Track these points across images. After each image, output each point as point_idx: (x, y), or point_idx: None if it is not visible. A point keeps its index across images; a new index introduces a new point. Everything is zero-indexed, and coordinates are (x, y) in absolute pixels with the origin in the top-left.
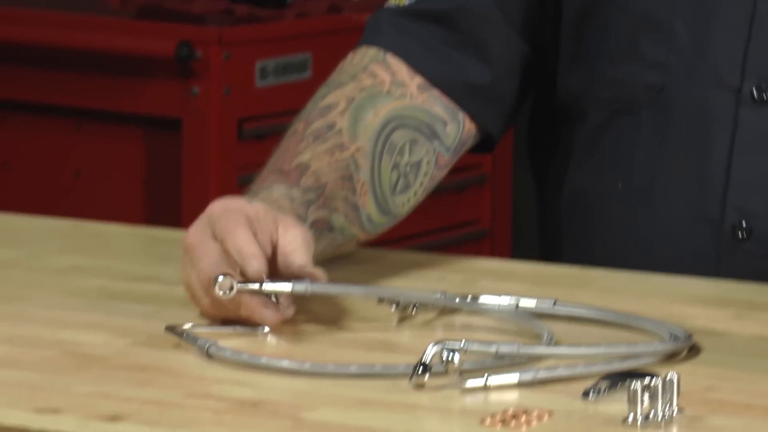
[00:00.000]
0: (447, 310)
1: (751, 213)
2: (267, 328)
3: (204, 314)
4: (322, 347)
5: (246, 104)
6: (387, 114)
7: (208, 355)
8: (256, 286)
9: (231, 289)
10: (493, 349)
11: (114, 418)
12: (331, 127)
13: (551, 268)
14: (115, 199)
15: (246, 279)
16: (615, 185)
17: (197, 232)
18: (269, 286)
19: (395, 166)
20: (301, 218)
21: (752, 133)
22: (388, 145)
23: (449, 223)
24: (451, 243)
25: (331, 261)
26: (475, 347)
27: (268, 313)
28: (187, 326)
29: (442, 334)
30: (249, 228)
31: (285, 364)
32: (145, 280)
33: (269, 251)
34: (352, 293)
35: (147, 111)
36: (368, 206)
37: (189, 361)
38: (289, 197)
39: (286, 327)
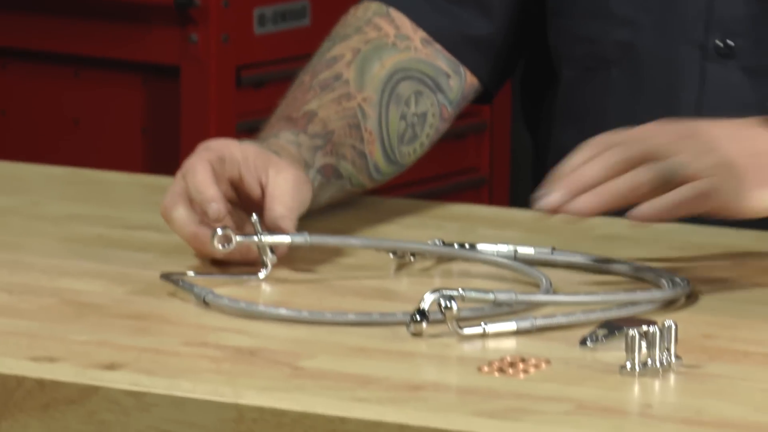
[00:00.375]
0: (445, 258)
1: None
2: (263, 275)
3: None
4: (319, 295)
5: (244, 51)
6: (393, 65)
7: (205, 304)
8: (255, 238)
9: (229, 241)
10: (490, 296)
11: (111, 367)
12: (338, 77)
13: (549, 216)
14: (114, 146)
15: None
16: None
17: (184, 164)
18: (268, 239)
19: (403, 117)
20: (308, 164)
21: (718, 87)
22: (395, 96)
23: (448, 171)
24: (450, 191)
25: (328, 208)
26: (472, 295)
27: (213, 207)
28: (182, 274)
29: (439, 282)
30: (210, 168)
31: (282, 312)
32: (144, 228)
33: (257, 192)
34: (351, 244)
35: (145, 58)
36: (376, 155)
37: (186, 309)
38: (297, 143)
39: (282, 275)
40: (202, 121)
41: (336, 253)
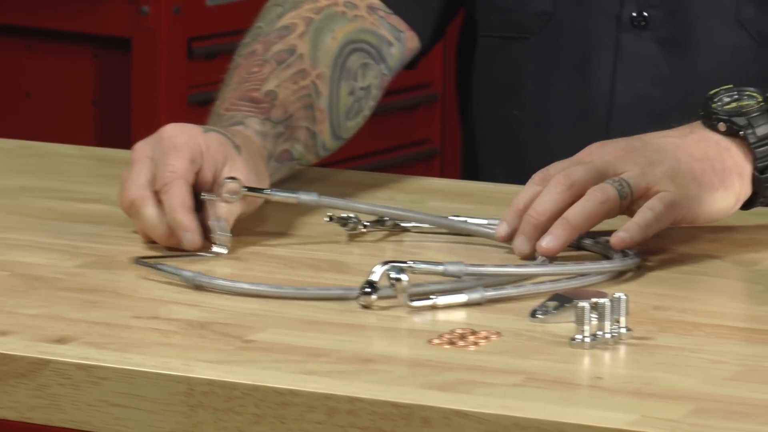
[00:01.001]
0: (397, 230)
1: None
2: (223, 250)
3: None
4: (271, 268)
5: (196, 23)
6: (343, 37)
7: (197, 287)
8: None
9: (236, 193)
10: (440, 268)
11: (61, 340)
12: (292, 51)
13: (501, 187)
14: (65, 119)
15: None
16: (512, 111)
17: (142, 149)
18: (277, 196)
19: (351, 92)
20: (270, 154)
21: (632, 58)
22: (345, 71)
23: (400, 143)
24: (402, 162)
25: (282, 180)
26: (422, 267)
27: (188, 236)
28: (153, 258)
29: (391, 254)
30: (187, 190)
31: (259, 287)
32: (95, 201)
33: (209, 184)
34: (359, 209)
35: (97, 30)
36: (324, 133)
37: (137, 283)
38: (262, 134)
39: (234, 248)
40: (154, 93)
41: (290, 223)
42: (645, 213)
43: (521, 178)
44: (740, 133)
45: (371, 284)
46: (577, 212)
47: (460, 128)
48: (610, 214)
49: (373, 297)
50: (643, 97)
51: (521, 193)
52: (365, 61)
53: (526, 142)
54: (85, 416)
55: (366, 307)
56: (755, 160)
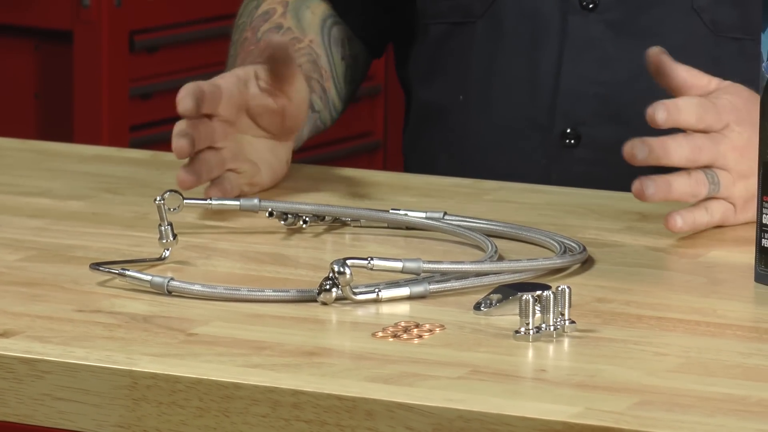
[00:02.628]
0: (336, 224)
1: (579, 119)
2: (167, 253)
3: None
4: (216, 262)
5: (137, 16)
6: (321, 13)
7: (168, 293)
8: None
9: (178, 205)
10: (398, 265)
11: (4, 334)
12: (279, 27)
13: (444, 180)
14: (6, 112)
15: None
16: (456, 97)
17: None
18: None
19: (343, 57)
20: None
21: (580, 40)
22: (333, 39)
23: (343, 135)
24: (345, 155)
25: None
26: (381, 264)
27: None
28: (110, 263)
29: (331, 247)
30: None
31: (219, 289)
32: (36, 194)
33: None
34: (302, 210)
35: (38, 23)
36: (332, 91)
37: (80, 276)
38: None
39: (179, 245)
40: (95, 86)
41: (229, 221)
42: (703, 215)
43: (466, 164)
44: None
45: (332, 280)
46: (681, 187)
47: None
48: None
49: (334, 293)
50: (590, 80)
51: (686, 107)
52: (349, 34)
53: (469, 127)
54: (28, 410)
55: (325, 303)
56: None
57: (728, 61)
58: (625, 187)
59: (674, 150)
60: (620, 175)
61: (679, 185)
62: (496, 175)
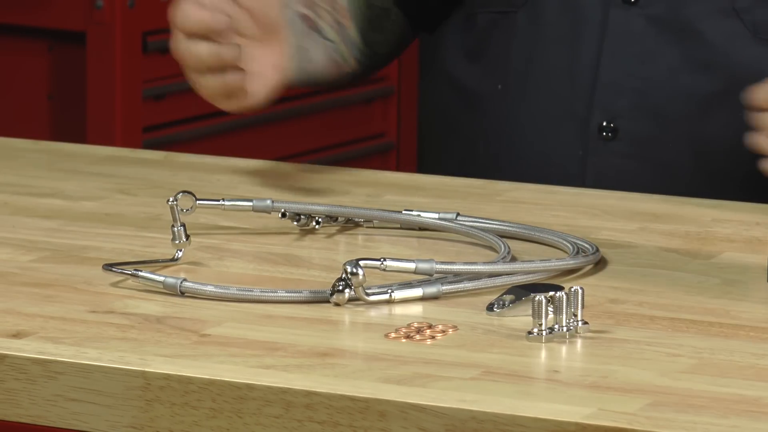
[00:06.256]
0: (349, 225)
1: (617, 113)
2: (179, 254)
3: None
4: (228, 263)
5: (150, 17)
6: None
7: (181, 293)
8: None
9: (191, 206)
10: (411, 266)
11: (17, 335)
12: None
13: (457, 180)
14: (20, 113)
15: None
16: (495, 86)
17: None
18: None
19: (369, 6)
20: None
21: (620, 34)
22: None
23: (356, 137)
24: (358, 156)
25: (242, 173)
26: (394, 265)
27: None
28: (123, 264)
29: (344, 248)
30: None
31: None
32: (50, 195)
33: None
34: (314, 210)
35: (51, 24)
36: (351, 29)
37: (93, 277)
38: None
39: (192, 245)
40: (108, 87)
41: (242, 222)
42: None
43: (501, 152)
44: None
45: (345, 282)
46: None
47: (417, 119)
48: None
49: (347, 294)
50: (629, 74)
51: None
52: None
53: (508, 116)
54: (41, 411)
55: (338, 304)
56: None
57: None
58: (660, 182)
59: None
60: (656, 169)
61: None
62: (531, 166)
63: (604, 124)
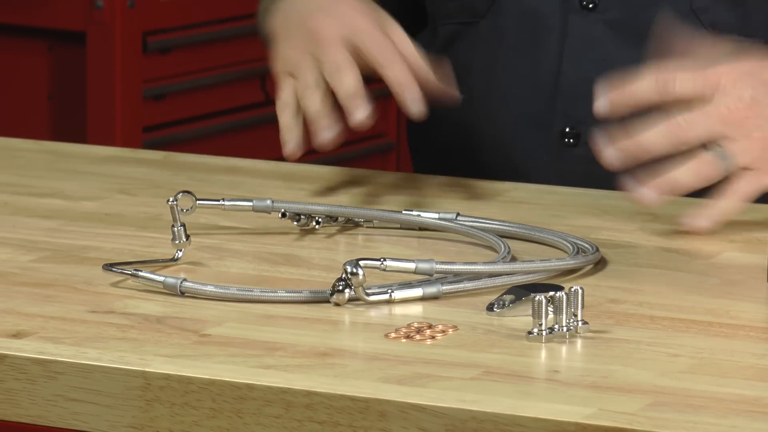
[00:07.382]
0: (349, 225)
1: (579, 119)
2: (179, 254)
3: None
4: (228, 263)
5: (150, 17)
6: None
7: (181, 293)
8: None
9: (191, 206)
10: (411, 266)
11: (17, 335)
12: None
13: (457, 180)
14: (20, 113)
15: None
16: (459, 96)
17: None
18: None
19: None
20: None
21: (580, 40)
22: None
23: (355, 137)
24: (357, 156)
25: (237, 171)
26: (394, 264)
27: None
28: (123, 264)
29: (344, 248)
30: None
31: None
32: (50, 195)
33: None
34: (316, 211)
35: (51, 24)
36: None
37: (92, 277)
38: None
39: (192, 245)
40: (108, 87)
41: (241, 222)
42: (729, 204)
43: (469, 161)
44: None
45: (345, 282)
46: (684, 177)
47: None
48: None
49: (347, 294)
50: (590, 80)
51: (635, 83)
52: None
53: (471, 126)
54: (41, 411)
55: (338, 304)
56: None
57: None
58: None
59: (652, 138)
60: (620, 174)
61: (683, 175)
62: (498, 174)
63: (567, 130)
